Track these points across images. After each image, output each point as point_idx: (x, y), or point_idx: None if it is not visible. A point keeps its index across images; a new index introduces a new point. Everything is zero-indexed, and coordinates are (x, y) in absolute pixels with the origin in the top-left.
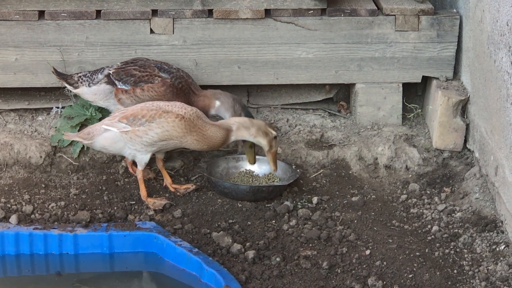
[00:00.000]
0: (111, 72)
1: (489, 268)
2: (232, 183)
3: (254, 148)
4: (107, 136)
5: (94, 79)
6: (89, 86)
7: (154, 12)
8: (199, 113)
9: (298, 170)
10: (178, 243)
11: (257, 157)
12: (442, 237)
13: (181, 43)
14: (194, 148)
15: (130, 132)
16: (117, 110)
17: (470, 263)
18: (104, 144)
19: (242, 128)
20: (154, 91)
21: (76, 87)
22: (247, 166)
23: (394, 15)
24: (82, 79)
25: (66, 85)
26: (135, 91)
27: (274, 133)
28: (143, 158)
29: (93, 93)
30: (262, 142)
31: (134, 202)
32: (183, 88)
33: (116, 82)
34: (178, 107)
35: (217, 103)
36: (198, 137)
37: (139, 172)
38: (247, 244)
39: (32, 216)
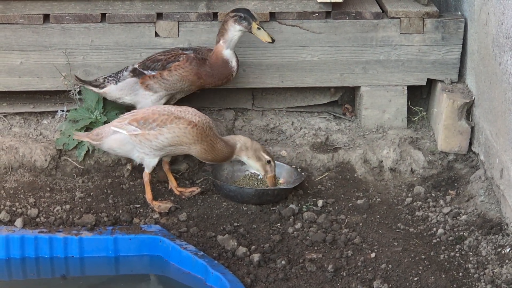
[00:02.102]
0: (136, 66)
1: (495, 271)
2: (237, 186)
3: None
4: (116, 138)
5: (119, 77)
6: (116, 83)
7: (159, 15)
8: (211, 123)
9: (303, 173)
10: (183, 246)
11: None
12: (448, 240)
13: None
14: (199, 156)
15: (140, 136)
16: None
17: (476, 266)
18: (112, 145)
19: (243, 148)
20: (181, 68)
21: (103, 87)
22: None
23: (399, 18)
24: (108, 79)
25: (92, 88)
26: (162, 74)
27: (267, 157)
28: (151, 162)
29: (120, 88)
30: (254, 165)
31: (139, 205)
32: (203, 58)
33: (145, 71)
34: (190, 113)
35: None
36: (207, 147)
37: (146, 175)
38: (252, 247)
39: (37, 219)
